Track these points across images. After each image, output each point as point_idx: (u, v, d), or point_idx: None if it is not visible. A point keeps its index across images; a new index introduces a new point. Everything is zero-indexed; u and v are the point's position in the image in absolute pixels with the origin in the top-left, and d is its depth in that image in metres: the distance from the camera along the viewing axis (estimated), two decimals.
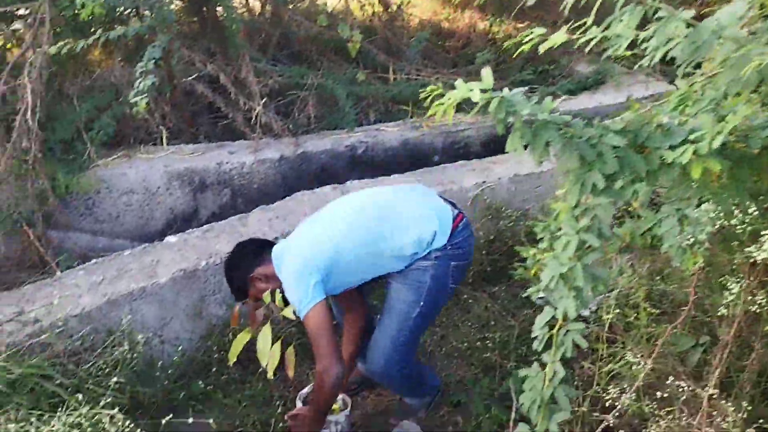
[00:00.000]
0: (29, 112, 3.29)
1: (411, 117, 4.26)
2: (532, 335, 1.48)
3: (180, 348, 2.94)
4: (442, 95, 1.41)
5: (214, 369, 2.97)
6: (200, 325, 3.06)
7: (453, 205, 2.56)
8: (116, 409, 2.13)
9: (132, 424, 2.12)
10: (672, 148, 1.47)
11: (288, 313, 2.33)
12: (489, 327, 3.18)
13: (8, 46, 4.03)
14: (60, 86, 3.90)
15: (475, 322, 3.22)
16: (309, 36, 4.67)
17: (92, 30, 3.59)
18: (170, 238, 3.27)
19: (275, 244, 2.58)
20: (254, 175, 3.86)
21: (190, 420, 2.36)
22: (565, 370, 2.78)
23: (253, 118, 3.91)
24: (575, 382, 2.65)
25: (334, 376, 2.29)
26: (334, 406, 2.59)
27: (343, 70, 4.42)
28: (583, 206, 1.47)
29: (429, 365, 3.01)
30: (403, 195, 2.58)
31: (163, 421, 2.23)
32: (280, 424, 2.73)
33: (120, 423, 2.07)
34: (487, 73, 1.43)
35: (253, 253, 2.59)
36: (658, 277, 2.57)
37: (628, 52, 1.81)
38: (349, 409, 2.66)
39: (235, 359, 2.37)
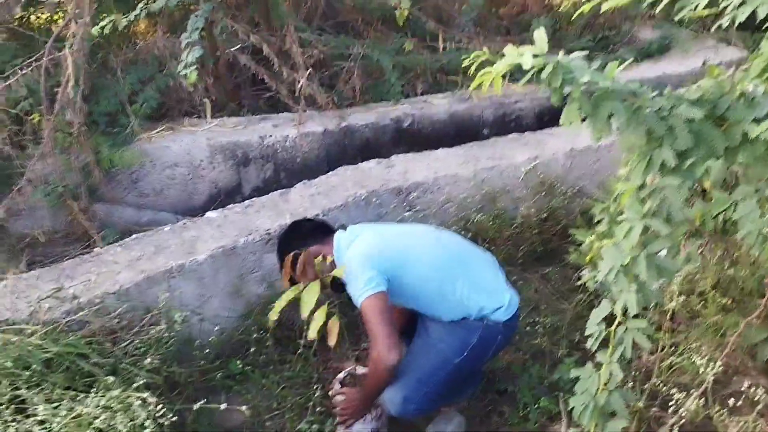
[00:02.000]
0: (71, 84, 3.25)
1: (460, 88, 4.06)
2: (586, 333, 1.31)
3: (218, 327, 2.87)
4: (489, 63, 1.24)
5: (252, 348, 2.89)
6: (239, 304, 2.98)
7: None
8: (149, 392, 2.07)
9: (164, 408, 2.06)
10: (757, 121, 1.27)
11: (339, 273, 2.30)
12: (539, 311, 3.01)
13: (54, 17, 4.01)
14: (104, 59, 3.86)
15: (524, 305, 3.05)
16: (355, 5, 4.49)
17: (135, 1, 3.52)
18: (210, 214, 3.20)
19: (333, 228, 2.56)
20: (297, 149, 3.75)
21: (223, 406, 2.28)
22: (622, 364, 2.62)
23: (297, 91, 3.78)
24: (632, 373, 2.46)
25: (389, 363, 2.21)
26: None
27: (390, 40, 4.24)
28: (649, 187, 1.29)
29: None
30: (484, 258, 2.56)
31: (195, 407, 2.17)
32: (318, 408, 2.64)
33: (152, 407, 2.00)
34: (540, 35, 1.26)
35: (310, 232, 2.56)
36: (727, 262, 2.35)
37: (705, 12, 1.59)
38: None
39: (276, 317, 2.28)
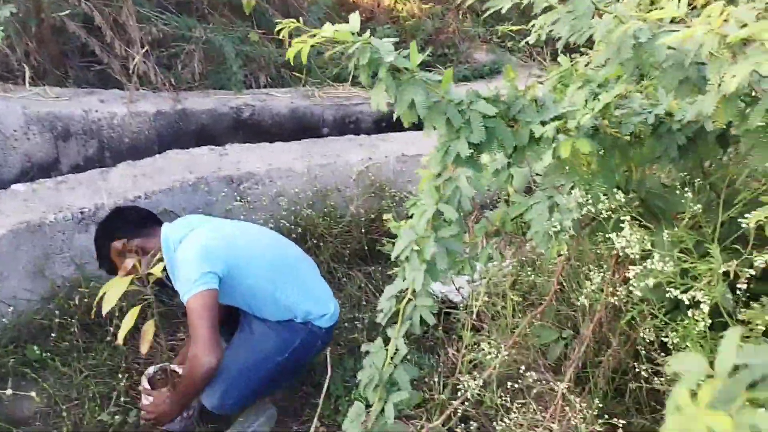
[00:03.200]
0: None
1: (304, 85, 4.07)
2: (378, 308, 1.35)
3: (14, 309, 2.62)
4: (300, 33, 1.25)
5: (53, 334, 2.67)
6: (42, 285, 2.75)
7: None
8: None
9: None
10: (543, 123, 1.39)
11: (157, 272, 2.15)
12: (360, 307, 3.07)
13: None
14: None
15: (346, 301, 3.10)
16: None
17: None
18: (17, 186, 2.93)
19: (161, 221, 2.46)
20: (126, 129, 3.54)
21: (9, 392, 2.08)
22: (431, 355, 2.74)
23: (131, 68, 3.58)
24: (439, 369, 2.58)
25: (207, 364, 2.14)
26: None
27: (235, 28, 4.15)
28: (445, 176, 1.36)
29: None
30: (313, 266, 2.63)
31: None
32: (123, 398, 2.49)
33: None
34: (354, 18, 1.29)
35: (135, 223, 2.43)
36: (530, 268, 2.54)
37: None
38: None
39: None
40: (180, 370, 2.41)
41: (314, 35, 1.27)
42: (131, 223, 2.43)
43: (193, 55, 3.83)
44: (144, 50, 3.55)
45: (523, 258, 2.35)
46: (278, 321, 2.43)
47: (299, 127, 3.86)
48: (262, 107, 3.81)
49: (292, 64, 1.43)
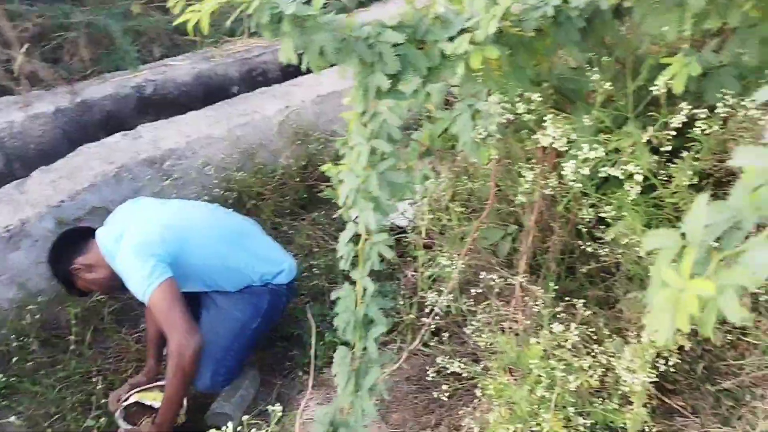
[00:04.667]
0: None
1: (201, 48, 3.94)
2: (338, 255, 1.40)
3: None
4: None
5: (15, 358, 2.62)
6: None
7: None
8: None
9: None
10: (451, 39, 1.42)
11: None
12: (313, 254, 3.11)
13: None
14: None
15: (299, 252, 3.14)
16: None
17: None
18: None
19: (93, 229, 2.40)
20: (28, 135, 3.37)
21: None
22: (391, 281, 2.83)
23: (15, 70, 3.38)
24: (402, 292, 2.68)
25: (193, 348, 2.11)
26: None
27: (115, 4, 3.94)
28: (369, 112, 1.39)
29: None
30: (257, 227, 2.64)
31: None
32: (103, 400, 2.50)
33: None
34: None
35: (72, 243, 2.38)
36: (465, 177, 2.62)
37: None
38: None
39: None
40: (150, 403, 2.39)
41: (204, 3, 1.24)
42: (69, 245, 2.38)
43: (77, 42, 3.63)
44: (25, 48, 3.34)
45: (457, 169, 2.42)
46: (239, 290, 2.45)
47: (208, 92, 3.76)
48: (164, 80, 3.68)
49: (191, 35, 1.40)
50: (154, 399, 2.40)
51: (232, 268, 2.41)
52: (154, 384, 2.47)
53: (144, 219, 2.33)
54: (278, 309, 2.55)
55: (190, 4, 1.44)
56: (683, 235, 0.57)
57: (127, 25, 3.79)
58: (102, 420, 2.43)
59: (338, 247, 1.40)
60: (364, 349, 1.37)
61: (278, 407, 1.62)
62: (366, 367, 1.39)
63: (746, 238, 0.57)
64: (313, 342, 2.07)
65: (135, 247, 2.20)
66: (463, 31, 1.42)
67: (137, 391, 2.44)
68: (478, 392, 1.80)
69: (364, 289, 1.38)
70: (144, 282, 2.13)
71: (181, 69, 3.75)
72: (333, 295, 1.43)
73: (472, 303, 2.03)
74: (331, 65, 1.42)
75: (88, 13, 3.75)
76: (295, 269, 2.59)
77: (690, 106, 1.54)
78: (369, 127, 1.36)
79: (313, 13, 1.22)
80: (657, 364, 1.65)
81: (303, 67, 1.38)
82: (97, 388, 2.53)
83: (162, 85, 3.68)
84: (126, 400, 2.42)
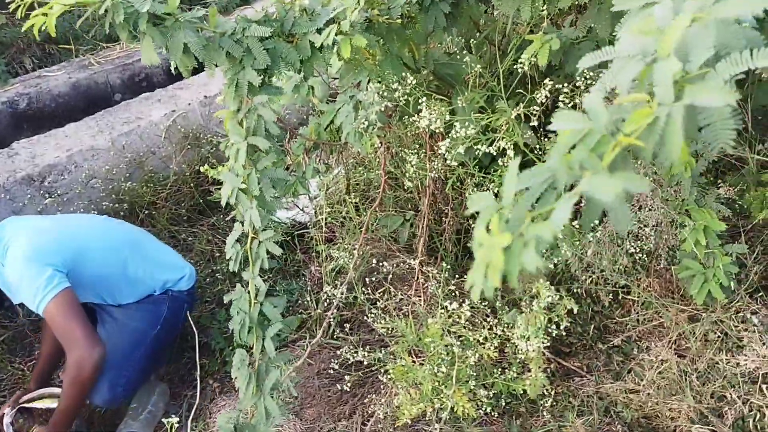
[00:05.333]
0: None
1: (76, 56, 3.75)
2: (226, 257, 1.37)
3: None
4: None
5: None
6: None
7: None
8: None
9: None
10: (319, 31, 1.42)
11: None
12: (215, 260, 3.04)
13: None
14: None
15: (199, 258, 3.06)
16: None
17: None
18: None
19: None
20: None
21: None
22: (297, 278, 2.81)
23: None
24: (308, 288, 2.67)
25: (98, 359, 2.01)
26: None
27: None
28: (244, 109, 1.37)
29: None
30: (151, 236, 2.56)
31: None
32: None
33: None
34: None
35: None
36: (361, 167, 2.63)
37: None
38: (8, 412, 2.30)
39: None
40: (40, 405, 2.28)
41: (51, 6, 1.18)
42: None
43: None
44: None
45: (351, 160, 2.43)
46: (137, 301, 2.37)
47: (88, 102, 3.59)
48: (38, 92, 3.48)
49: (37, 39, 1.33)
50: (42, 402, 2.28)
51: (131, 277, 2.32)
52: (40, 392, 2.33)
53: (34, 230, 2.19)
54: (179, 315, 2.48)
55: (43, 5, 1.37)
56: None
57: None
58: None
59: (226, 249, 1.38)
60: (263, 349, 1.36)
61: (174, 418, 1.58)
62: (266, 368, 1.37)
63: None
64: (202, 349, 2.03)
65: (28, 256, 2.05)
66: (330, 22, 1.42)
67: (24, 401, 2.30)
68: (383, 378, 1.82)
69: (257, 289, 1.36)
70: (39, 293, 2.00)
71: (57, 80, 3.56)
72: (225, 298, 1.41)
73: (371, 292, 2.05)
74: (201, 66, 1.40)
75: None
76: (195, 276, 2.53)
77: (552, 82, 1.62)
78: (245, 124, 1.34)
79: (171, 12, 1.19)
80: (550, 330, 1.72)
81: (172, 68, 1.34)
82: None
83: (36, 97, 3.48)
84: (13, 409, 2.28)
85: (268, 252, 1.36)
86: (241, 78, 1.34)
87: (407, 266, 2.30)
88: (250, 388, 1.35)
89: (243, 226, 1.40)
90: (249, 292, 1.39)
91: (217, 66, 1.35)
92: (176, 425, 1.55)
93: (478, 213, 0.62)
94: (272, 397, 1.35)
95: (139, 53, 3.82)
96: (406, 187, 2.59)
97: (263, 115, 1.35)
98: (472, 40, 1.94)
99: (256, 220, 1.33)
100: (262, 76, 1.37)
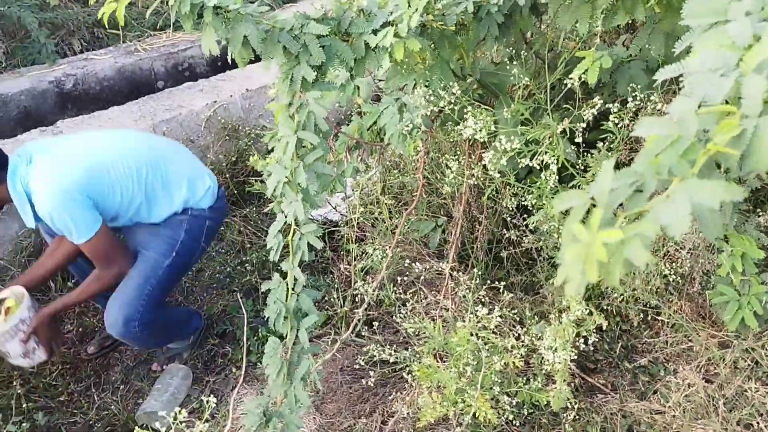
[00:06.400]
0: None
1: (124, 41, 3.83)
2: (267, 247, 1.40)
3: None
4: None
5: None
6: None
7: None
8: None
9: None
10: (375, 32, 1.45)
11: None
12: (245, 250, 3.08)
13: None
14: None
15: (230, 248, 3.11)
16: None
17: None
18: None
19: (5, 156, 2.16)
20: None
21: None
22: (325, 275, 2.85)
23: None
24: (336, 286, 2.69)
25: (120, 268, 2.26)
26: (10, 304, 2.29)
27: None
28: (296, 103, 1.40)
29: (188, 307, 2.85)
30: (174, 146, 2.48)
31: None
32: (24, 404, 2.41)
33: None
34: None
35: None
36: (396, 171, 2.66)
37: None
38: (27, 298, 2.32)
39: None
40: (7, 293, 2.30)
41: None
42: None
43: None
44: None
45: (387, 162, 2.45)
46: (157, 223, 2.35)
47: (131, 87, 3.66)
48: (85, 74, 3.56)
49: (106, 25, 1.37)
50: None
51: (152, 198, 2.29)
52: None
53: (62, 155, 2.16)
54: (199, 237, 2.41)
55: None
56: (592, 197, 0.62)
57: (43, 17, 3.65)
58: (24, 425, 2.35)
59: (268, 239, 1.41)
60: (296, 339, 1.38)
61: (212, 398, 1.60)
62: (298, 357, 1.40)
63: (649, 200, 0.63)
64: (245, 336, 2.06)
65: (62, 193, 2.06)
66: (386, 24, 1.45)
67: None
68: (408, 377, 1.84)
69: (295, 280, 1.39)
70: (77, 234, 2.10)
71: (103, 63, 3.64)
72: (263, 287, 1.44)
73: (402, 292, 2.07)
74: (256, 59, 1.43)
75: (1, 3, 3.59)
76: (217, 190, 2.46)
77: (602, 101, 1.62)
78: (296, 118, 1.37)
79: (236, 5, 1.22)
80: (577, 344, 1.73)
81: (229, 59, 1.38)
82: (18, 391, 2.44)
83: (83, 79, 3.56)
84: None
85: (309, 245, 1.39)
86: (296, 73, 1.37)
87: (436, 271, 2.32)
88: (280, 376, 1.38)
89: (285, 217, 1.43)
90: (287, 283, 1.42)
91: (272, 59, 1.38)
92: (212, 405, 1.57)
93: (567, 211, 0.63)
94: (302, 387, 1.37)
95: (184, 43, 3.89)
96: (438, 193, 2.61)
97: (314, 111, 1.38)
98: (522, 51, 1.96)
99: (300, 213, 1.36)
100: (316, 73, 1.40)
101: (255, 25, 1.30)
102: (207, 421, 1.37)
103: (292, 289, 1.42)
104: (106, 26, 3.95)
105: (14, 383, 2.48)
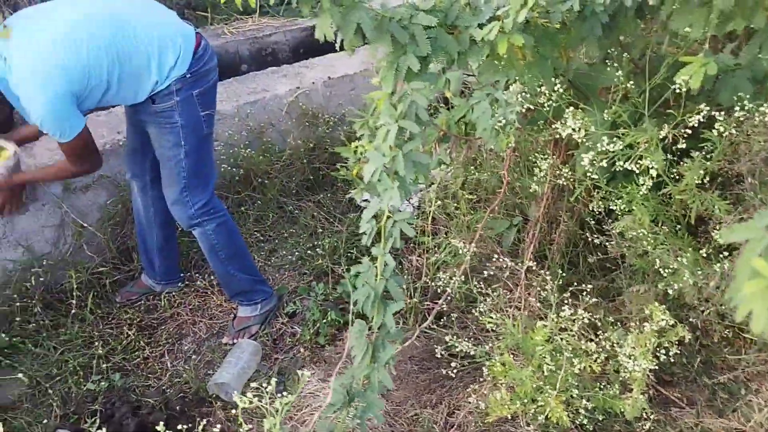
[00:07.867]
0: None
1: (211, 24, 3.94)
2: (360, 231, 1.43)
3: None
4: None
5: (18, 318, 2.65)
6: None
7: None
8: None
9: None
10: (480, 26, 1.46)
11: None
12: (317, 235, 3.14)
13: None
14: None
15: (303, 232, 3.17)
16: None
17: None
18: None
19: None
20: None
21: None
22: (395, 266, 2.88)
23: None
24: (405, 276, 2.72)
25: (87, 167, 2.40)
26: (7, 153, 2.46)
27: None
28: (399, 93, 1.42)
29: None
30: (140, 8, 2.29)
31: None
32: (103, 364, 2.53)
33: None
34: None
35: None
36: (472, 167, 2.66)
37: None
38: (12, 159, 2.45)
39: None
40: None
41: None
42: None
43: None
44: None
45: (467, 158, 2.46)
46: (149, 105, 2.30)
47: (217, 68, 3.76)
48: None
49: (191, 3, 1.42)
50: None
51: (121, 73, 2.16)
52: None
53: (36, 43, 2.05)
54: (198, 120, 2.39)
55: None
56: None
57: None
58: (102, 384, 2.46)
59: (361, 224, 1.44)
60: (381, 323, 1.41)
61: (306, 372, 1.60)
62: (383, 341, 1.43)
63: None
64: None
65: (39, 98, 2.05)
66: (492, 19, 1.45)
67: None
68: (484, 371, 1.84)
69: (385, 265, 1.42)
70: (60, 135, 2.17)
71: None
72: (353, 270, 1.47)
73: (481, 287, 2.07)
74: (340, 48, 1.43)
75: None
76: (192, 48, 2.29)
77: (708, 107, 1.59)
78: (398, 107, 1.40)
79: None
80: (657, 354, 1.70)
81: (336, 46, 1.41)
82: (99, 351, 2.56)
83: None
84: None
85: (401, 232, 1.41)
86: (401, 62, 1.40)
87: (510, 270, 2.31)
88: (365, 359, 1.41)
89: (380, 204, 1.45)
90: (376, 267, 1.45)
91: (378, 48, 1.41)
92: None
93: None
94: (386, 370, 1.40)
95: (269, 28, 3.98)
96: (515, 192, 2.60)
97: (416, 101, 1.40)
98: (615, 53, 1.93)
99: (396, 200, 1.38)
100: (421, 63, 1.42)
101: (368, 14, 1.33)
102: (286, 396, 1.40)
103: (381, 273, 1.45)
104: (193, 5, 4.07)
105: (95, 343, 2.61)
